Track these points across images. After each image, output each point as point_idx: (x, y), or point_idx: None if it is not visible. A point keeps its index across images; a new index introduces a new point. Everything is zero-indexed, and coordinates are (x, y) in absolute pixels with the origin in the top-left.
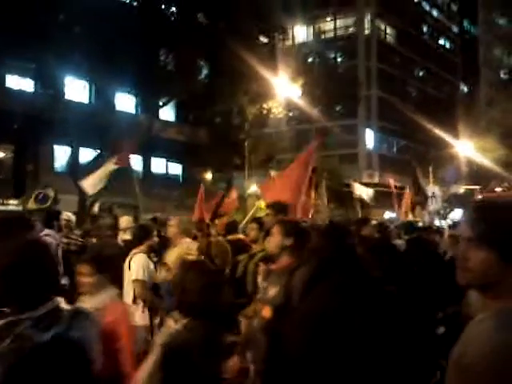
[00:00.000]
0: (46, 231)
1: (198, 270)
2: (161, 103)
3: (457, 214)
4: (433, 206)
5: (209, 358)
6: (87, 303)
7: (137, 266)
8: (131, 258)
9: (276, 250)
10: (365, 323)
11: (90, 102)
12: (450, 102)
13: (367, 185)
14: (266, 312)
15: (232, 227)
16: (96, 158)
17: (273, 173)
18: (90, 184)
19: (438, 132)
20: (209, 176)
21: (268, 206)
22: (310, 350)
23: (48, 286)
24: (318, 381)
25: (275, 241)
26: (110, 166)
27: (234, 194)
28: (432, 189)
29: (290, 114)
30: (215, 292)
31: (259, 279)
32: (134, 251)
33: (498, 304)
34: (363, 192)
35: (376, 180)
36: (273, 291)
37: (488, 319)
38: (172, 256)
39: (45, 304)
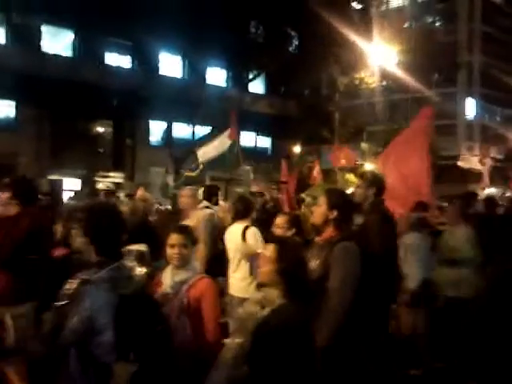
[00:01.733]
0: (205, 203)
1: (299, 251)
2: (251, 76)
3: None
4: None
5: (305, 345)
6: (174, 276)
7: (255, 239)
8: (245, 231)
9: (320, 221)
10: None
11: (182, 77)
12: None
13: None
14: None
15: None
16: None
17: (363, 145)
18: (203, 152)
19: None
20: (297, 149)
21: (361, 176)
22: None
23: None
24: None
25: (320, 212)
26: (225, 141)
27: (317, 167)
28: None
29: (384, 84)
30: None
31: None
32: (243, 224)
33: None
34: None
35: (476, 152)
36: (314, 263)
37: None
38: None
39: None
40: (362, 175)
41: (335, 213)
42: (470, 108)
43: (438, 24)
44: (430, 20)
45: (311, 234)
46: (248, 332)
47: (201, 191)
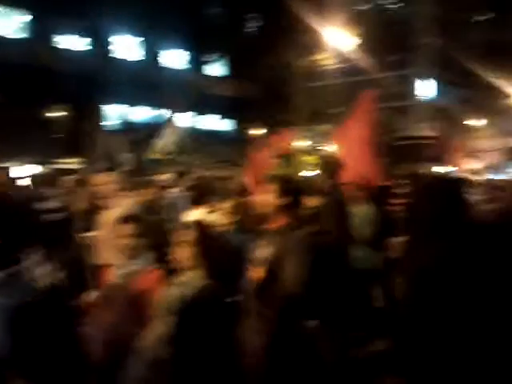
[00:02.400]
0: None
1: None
2: (211, 59)
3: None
4: (486, 160)
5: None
6: (124, 267)
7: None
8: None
9: (270, 208)
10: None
11: (140, 59)
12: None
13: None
14: (258, 273)
15: None
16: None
17: (324, 128)
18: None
19: (501, 80)
20: (261, 132)
21: (321, 166)
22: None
23: None
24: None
25: (270, 199)
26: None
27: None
28: (488, 143)
29: (342, 66)
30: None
31: None
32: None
33: None
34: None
35: (430, 133)
36: (265, 251)
37: None
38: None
39: None
40: (325, 163)
41: (286, 200)
42: (425, 89)
43: (394, 6)
44: (386, 2)
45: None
46: (171, 313)
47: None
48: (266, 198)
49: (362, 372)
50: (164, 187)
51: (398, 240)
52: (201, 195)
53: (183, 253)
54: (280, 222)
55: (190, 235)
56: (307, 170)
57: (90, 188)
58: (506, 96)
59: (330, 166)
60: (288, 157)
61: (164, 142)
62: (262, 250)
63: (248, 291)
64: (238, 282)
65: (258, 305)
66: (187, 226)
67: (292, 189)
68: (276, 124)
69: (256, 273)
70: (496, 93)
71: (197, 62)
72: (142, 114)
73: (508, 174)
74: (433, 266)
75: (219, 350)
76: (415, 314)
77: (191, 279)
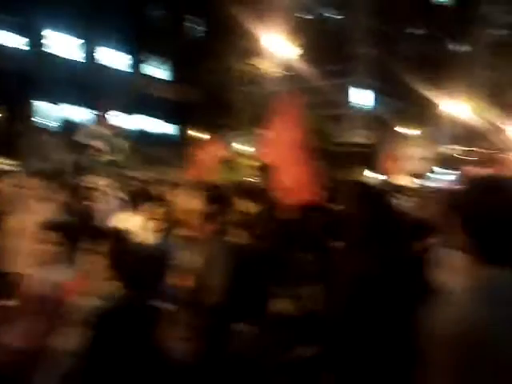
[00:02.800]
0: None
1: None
2: (153, 61)
3: (446, 172)
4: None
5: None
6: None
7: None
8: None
9: (197, 215)
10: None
11: (79, 58)
12: (442, 61)
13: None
14: (185, 281)
15: None
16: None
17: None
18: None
19: (431, 92)
20: (203, 136)
21: (260, 170)
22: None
23: None
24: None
25: (196, 206)
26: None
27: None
28: (415, 151)
29: (283, 73)
30: None
31: None
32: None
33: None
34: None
35: (367, 140)
36: (190, 259)
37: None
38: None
39: None
40: (262, 167)
41: (211, 207)
42: (364, 98)
43: (334, 16)
44: (326, 12)
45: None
46: (85, 325)
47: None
48: (192, 205)
49: (293, 375)
50: (97, 190)
51: (335, 245)
52: (137, 200)
53: (99, 263)
54: (206, 229)
55: (106, 245)
56: (249, 174)
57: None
58: (437, 107)
59: (266, 171)
60: (230, 162)
61: (99, 143)
62: (187, 258)
63: (174, 299)
64: (159, 289)
65: (185, 313)
66: (105, 234)
67: (218, 196)
68: (218, 128)
69: (182, 281)
70: (428, 104)
71: (138, 64)
72: (80, 114)
73: (439, 182)
74: (364, 273)
75: (135, 361)
76: (348, 319)
77: (107, 290)
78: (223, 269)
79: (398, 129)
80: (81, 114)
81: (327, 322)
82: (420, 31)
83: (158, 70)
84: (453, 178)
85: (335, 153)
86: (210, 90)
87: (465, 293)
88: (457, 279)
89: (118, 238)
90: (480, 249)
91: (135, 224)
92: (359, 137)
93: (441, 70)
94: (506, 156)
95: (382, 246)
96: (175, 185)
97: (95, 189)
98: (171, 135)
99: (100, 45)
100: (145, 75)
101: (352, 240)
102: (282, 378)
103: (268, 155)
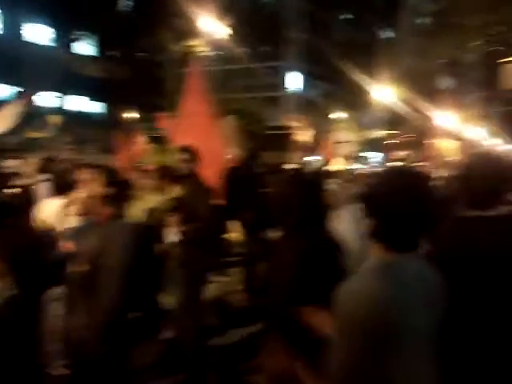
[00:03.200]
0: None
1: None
2: (79, 37)
3: (372, 156)
4: (339, 151)
5: None
6: None
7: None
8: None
9: (93, 199)
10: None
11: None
12: (372, 47)
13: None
14: (81, 266)
15: None
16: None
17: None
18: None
19: (360, 76)
20: (133, 115)
21: (182, 151)
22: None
23: None
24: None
25: (94, 189)
26: (18, 106)
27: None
28: (345, 134)
29: (214, 53)
30: None
31: (168, 230)
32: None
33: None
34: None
35: (301, 124)
36: (87, 244)
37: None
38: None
39: None
40: (185, 148)
41: (111, 190)
42: (294, 82)
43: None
44: None
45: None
46: None
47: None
48: (94, 189)
49: (220, 360)
50: (17, 174)
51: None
52: (63, 184)
53: None
54: (104, 212)
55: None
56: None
57: None
58: (367, 92)
59: (191, 152)
60: (161, 143)
61: (15, 121)
62: (86, 242)
63: (72, 284)
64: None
65: (83, 297)
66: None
67: (117, 180)
68: (149, 108)
69: (79, 266)
70: (357, 88)
71: (65, 40)
72: (1, 91)
73: (369, 164)
74: (299, 256)
75: (19, 358)
76: (284, 301)
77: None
78: (121, 251)
79: (329, 113)
80: (2, 91)
81: (267, 304)
82: (349, 16)
83: (86, 47)
84: (380, 160)
85: (268, 136)
86: (142, 69)
87: (370, 274)
88: (367, 262)
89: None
90: (387, 237)
91: (54, 210)
92: (292, 120)
93: (369, 56)
94: (430, 141)
95: (316, 227)
96: (97, 168)
97: (17, 173)
98: (100, 114)
99: (24, 19)
100: (72, 52)
101: (288, 222)
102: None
103: (181, 136)
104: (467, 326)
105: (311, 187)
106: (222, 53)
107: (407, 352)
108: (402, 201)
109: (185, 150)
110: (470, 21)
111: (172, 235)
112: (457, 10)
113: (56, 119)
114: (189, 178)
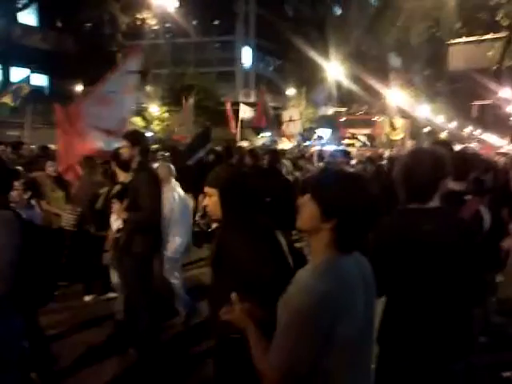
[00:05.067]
0: None
1: None
2: (20, 5)
3: (323, 133)
4: (290, 129)
5: None
6: None
7: None
8: None
9: None
10: None
11: None
12: (323, 23)
13: (246, 104)
14: None
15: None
16: None
17: (148, 88)
18: None
19: (312, 53)
20: (79, 89)
21: (124, 137)
22: None
23: None
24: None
25: None
26: None
27: None
28: (291, 112)
29: (166, 26)
30: None
31: (112, 217)
32: None
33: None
34: (246, 111)
35: (252, 99)
36: None
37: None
38: None
39: None
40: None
41: None
42: (247, 57)
43: None
44: None
45: None
46: None
47: None
48: None
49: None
50: None
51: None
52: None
53: None
54: None
55: None
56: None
57: None
58: (319, 69)
59: (141, 140)
60: None
61: None
62: None
63: None
64: None
65: None
66: None
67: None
68: (97, 82)
69: None
70: (310, 65)
71: (3, 8)
72: None
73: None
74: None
75: None
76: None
77: None
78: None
79: (281, 88)
80: None
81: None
82: None
83: (26, 15)
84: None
85: (219, 111)
86: (89, 41)
87: (314, 272)
88: (313, 260)
89: None
90: (334, 237)
91: None
92: (245, 95)
93: (321, 33)
94: (380, 119)
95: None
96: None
97: None
98: (45, 87)
99: None
100: (11, 21)
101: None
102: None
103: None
104: (408, 312)
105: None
106: (171, 25)
107: (347, 346)
108: (361, 205)
109: (124, 136)
110: (412, 5)
111: (116, 222)
112: None
113: (25, 90)
114: (138, 167)
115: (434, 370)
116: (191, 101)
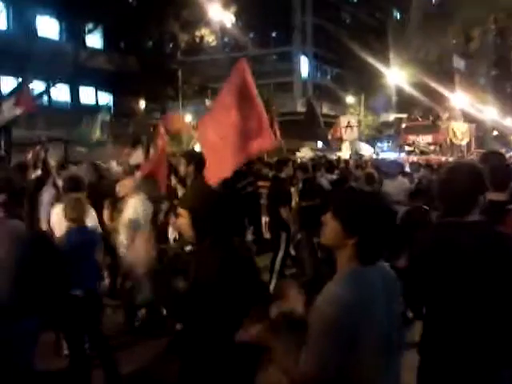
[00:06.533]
0: None
1: None
2: (87, 29)
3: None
4: (347, 135)
5: None
6: None
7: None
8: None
9: None
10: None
11: (8, 27)
12: (382, 29)
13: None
14: None
15: None
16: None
17: (208, 103)
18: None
19: (370, 60)
20: (141, 106)
21: (183, 155)
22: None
23: None
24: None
25: None
26: (12, 109)
27: (162, 129)
28: (349, 118)
29: (225, 40)
30: None
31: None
32: None
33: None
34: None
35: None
36: None
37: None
38: None
39: None
40: (184, 153)
41: (3, 196)
42: (304, 67)
43: None
44: None
45: None
46: None
47: None
48: None
49: None
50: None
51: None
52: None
53: None
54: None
55: None
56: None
57: None
58: (378, 75)
59: (194, 157)
60: (177, 134)
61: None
62: None
63: None
64: None
65: None
66: None
67: (10, 186)
68: (159, 99)
69: None
70: (369, 72)
71: (71, 32)
72: (10, 85)
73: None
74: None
75: None
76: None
77: None
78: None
79: (340, 97)
80: (7, 84)
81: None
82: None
83: (93, 39)
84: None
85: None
86: (149, 59)
87: (339, 283)
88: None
89: None
90: (356, 251)
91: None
92: (304, 105)
93: (380, 38)
94: (445, 124)
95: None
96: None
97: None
98: (109, 106)
99: (31, 11)
100: (79, 43)
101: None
102: None
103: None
104: (450, 323)
105: (220, 201)
106: (228, 40)
107: (372, 352)
108: (380, 223)
109: (182, 155)
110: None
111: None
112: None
113: (105, 117)
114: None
115: (479, 378)
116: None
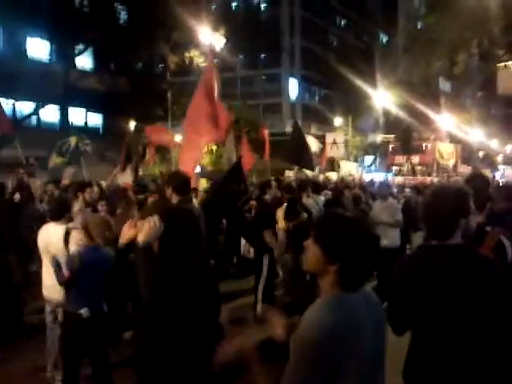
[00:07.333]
0: None
1: None
2: (77, 50)
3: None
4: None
5: None
6: None
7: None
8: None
9: None
10: None
11: None
12: (369, 52)
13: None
14: None
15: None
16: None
17: None
18: None
19: (358, 82)
20: (131, 126)
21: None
22: None
23: None
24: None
25: None
26: None
27: (152, 146)
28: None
29: (214, 62)
30: None
31: None
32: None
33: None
34: (313, 144)
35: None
36: None
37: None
38: None
39: None
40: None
41: None
42: (293, 88)
43: (262, 7)
44: (255, 2)
45: None
46: None
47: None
48: None
49: None
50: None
51: None
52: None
53: None
54: None
55: None
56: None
57: None
58: (365, 97)
59: (173, 180)
60: (164, 152)
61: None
62: None
63: None
64: None
65: None
66: None
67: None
68: (149, 119)
69: None
70: (356, 93)
71: (62, 53)
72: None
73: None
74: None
75: None
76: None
77: None
78: None
79: (328, 118)
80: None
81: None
82: (346, 22)
83: (83, 60)
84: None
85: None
86: (139, 80)
87: (321, 308)
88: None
89: None
90: (339, 278)
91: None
92: (290, 126)
93: (367, 61)
94: (430, 145)
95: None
96: None
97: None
98: (99, 126)
99: (22, 33)
100: (69, 65)
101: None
102: None
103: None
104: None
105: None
106: (217, 61)
107: (356, 378)
108: (362, 249)
109: (167, 180)
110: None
111: None
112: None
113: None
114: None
115: None
116: (231, 135)
